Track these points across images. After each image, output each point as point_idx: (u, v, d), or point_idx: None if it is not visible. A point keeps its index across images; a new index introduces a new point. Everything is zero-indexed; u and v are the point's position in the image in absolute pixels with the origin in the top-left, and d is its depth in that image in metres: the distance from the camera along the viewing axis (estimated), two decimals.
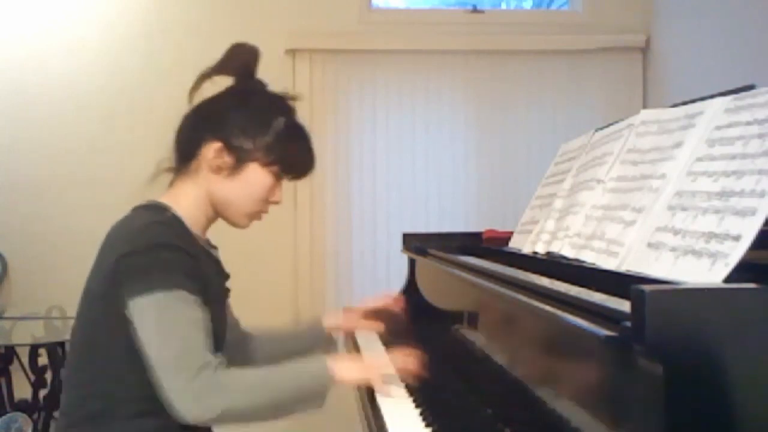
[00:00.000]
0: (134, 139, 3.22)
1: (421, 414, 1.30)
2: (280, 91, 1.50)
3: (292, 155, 1.47)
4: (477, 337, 1.52)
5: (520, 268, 1.47)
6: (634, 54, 3.45)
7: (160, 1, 3.35)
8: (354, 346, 1.88)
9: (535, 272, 1.38)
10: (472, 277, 1.52)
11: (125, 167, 3.09)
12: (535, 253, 1.59)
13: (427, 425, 1.25)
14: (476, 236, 2.23)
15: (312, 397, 1.34)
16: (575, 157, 1.68)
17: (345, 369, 1.38)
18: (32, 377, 2.93)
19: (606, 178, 1.39)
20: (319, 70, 3.36)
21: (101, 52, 3.32)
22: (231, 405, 1.26)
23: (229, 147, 1.41)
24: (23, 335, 3.02)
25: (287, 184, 1.51)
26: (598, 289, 1.05)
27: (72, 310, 1.43)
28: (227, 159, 1.42)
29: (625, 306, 0.81)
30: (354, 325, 1.85)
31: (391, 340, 1.81)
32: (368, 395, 1.41)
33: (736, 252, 0.88)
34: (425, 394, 1.40)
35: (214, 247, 1.53)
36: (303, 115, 1.53)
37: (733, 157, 1.01)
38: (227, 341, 1.50)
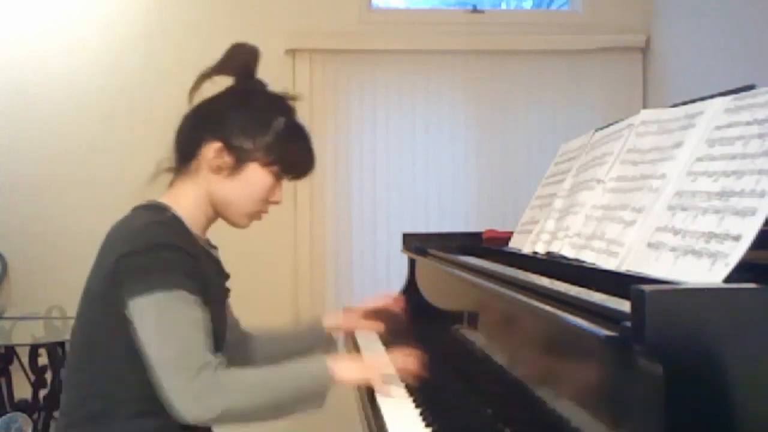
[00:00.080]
0: (134, 139, 3.22)
1: (421, 414, 1.30)
2: (280, 91, 1.50)
3: (292, 155, 1.47)
4: (477, 337, 1.52)
5: (520, 268, 1.47)
6: (634, 54, 3.45)
7: (160, 1, 3.35)
8: (354, 346, 1.88)
9: (535, 272, 1.38)
10: (472, 277, 1.52)
11: (125, 167, 3.09)
12: (535, 253, 1.59)
13: (427, 425, 1.25)
14: (476, 236, 2.23)
15: (312, 397, 1.34)
16: (575, 157, 1.68)
17: (345, 369, 1.38)
18: (32, 377, 2.93)
19: (606, 178, 1.39)
20: (319, 70, 3.36)
21: (101, 52, 3.32)
22: (231, 405, 1.26)
23: (229, 147, 1.41)
24: (23, 335, 3.02)
25: (287, 184, 1.51)
26: (598, 289, 1.05)
27: (72, 310, 1.43)
28: (227, 159, 1.42)
29: (625, 306, 0.81)
30: (354, 325, 1.85)
31: (391, 340, 1.81)
32: (368, 395, 1.41)
33: (736, 252, 0.88)
34: (425, 394, 1.40)
35: (214, 247, 1.53)
36: (303, 115, 1.53)
37: (733, 157, 1.01)
38: (227, 341, 1.50)
